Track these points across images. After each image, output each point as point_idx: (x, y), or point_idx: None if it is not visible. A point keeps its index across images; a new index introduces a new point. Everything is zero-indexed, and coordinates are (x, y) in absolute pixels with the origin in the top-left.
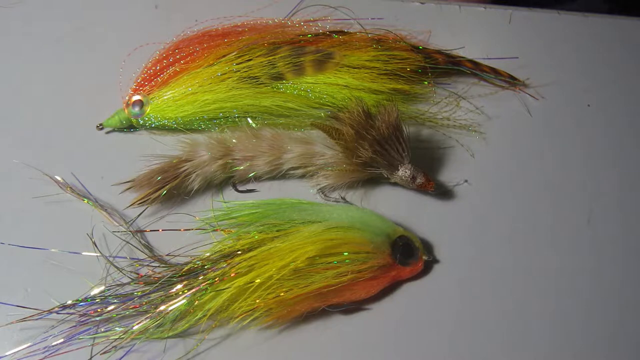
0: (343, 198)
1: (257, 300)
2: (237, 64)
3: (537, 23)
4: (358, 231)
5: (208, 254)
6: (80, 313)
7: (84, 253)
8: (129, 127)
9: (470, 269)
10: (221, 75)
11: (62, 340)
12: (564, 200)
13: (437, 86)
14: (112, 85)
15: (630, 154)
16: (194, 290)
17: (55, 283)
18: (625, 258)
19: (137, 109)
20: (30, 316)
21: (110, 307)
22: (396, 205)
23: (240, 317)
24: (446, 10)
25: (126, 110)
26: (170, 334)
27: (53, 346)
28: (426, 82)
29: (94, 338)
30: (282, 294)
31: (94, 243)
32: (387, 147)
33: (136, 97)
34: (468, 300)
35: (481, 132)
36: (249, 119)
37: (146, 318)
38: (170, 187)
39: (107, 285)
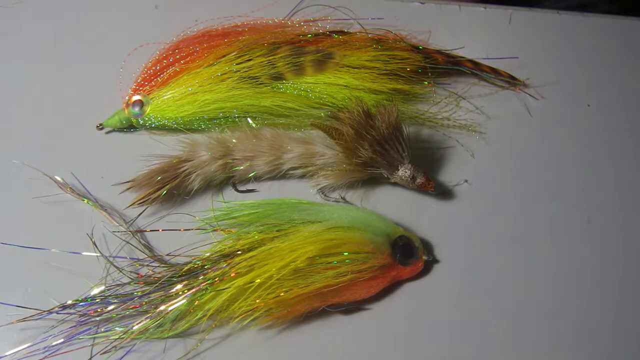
0: (343, 198)
1: (257, 300)
2: (237, 64)
3: (537, 23)
4: (358, 231)
5: (208, 254)
6: (80, 313)
7: (84, 253)
8: (129, 127)
9: (470, 269)
10: (221, 75)
11: (62, 340)
12: (564, 200)
13: (437, 86)
14: (112, 85)
15: (630, 154)
16: (194, 290)
17: (55, 283)
18: (625, 258)
19: (137, 109)
20: (30, 316)
21: (110, 307)
22: (396, 205)
23: (240, 317)
24: (446, 10)
25: (126, 110)
26: (170, 334)
27: (53, 346)
28: (426, 82)
29: (94, 338)
30: (282, 294)
31: (94, 243)
32: (387, 147)
33: (136, 97)
34: (468, 300)
35: (481, 132)
36: (249, 119)
37: (146, 318)
38: (170, 187)
39: (107, 285)
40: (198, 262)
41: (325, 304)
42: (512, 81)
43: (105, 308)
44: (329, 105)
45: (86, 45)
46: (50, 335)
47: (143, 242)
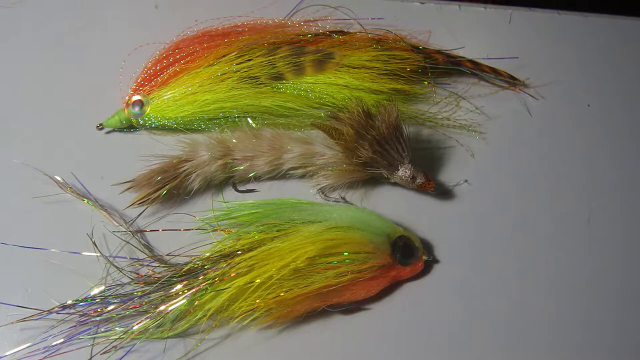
0: (343, 198)
1: (257, 300)
2: (237, 64)
3: (537, 23)
4: (358, 231)
5: (208, 254)
6: (80, 313)
7: (84, 253)
8: (129, 127)
9: (470, 269)
10: (221, 75)
11: (62, 340)
12: (564, 200)
13: (437, 86)
14: (112, 85)
15: (630, 154)
16: (194, 290)
17: (55, 283)
18: (625, 258)
19: (137, 109)
20: (30, 316)
21: (110, 307)
22: (396, 205)
23: (240, 317)
24: (446, 10)
25: (126, 110)
26: (170, 334)
27: (53, 346)
28: (426, 82)
29: (94, 338)
30: (282, 294)
31: (94, 243)
32: (387, 147)
33: (136, 97)
34: (468, 300)
35: (481, 132)
36: (249, 119)
37: (146, 318)
38: (170, 187)
39: (107, 285)
40: (198, 262)
41: (325, 304)
42: (512, 81)
43: (105, 308)
44: (329, 105)
45: (86, 45)
46: (50, 335)
47: (143, 242)
